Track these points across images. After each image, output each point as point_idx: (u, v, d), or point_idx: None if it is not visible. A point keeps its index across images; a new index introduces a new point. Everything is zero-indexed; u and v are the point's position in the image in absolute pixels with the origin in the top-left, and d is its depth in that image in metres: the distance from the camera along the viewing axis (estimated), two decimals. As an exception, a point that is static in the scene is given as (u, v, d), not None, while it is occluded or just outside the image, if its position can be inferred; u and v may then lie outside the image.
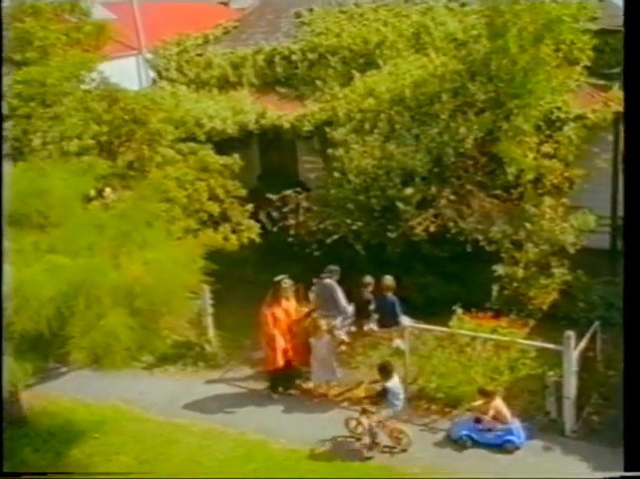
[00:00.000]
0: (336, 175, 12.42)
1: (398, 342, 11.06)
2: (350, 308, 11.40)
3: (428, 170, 12.01)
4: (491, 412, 9.86)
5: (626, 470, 4.62)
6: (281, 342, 11.05)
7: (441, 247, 13.20)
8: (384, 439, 10.01)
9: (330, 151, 12.90)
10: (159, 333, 9.59)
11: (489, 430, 9.88)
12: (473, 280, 13.14)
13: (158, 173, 12.09)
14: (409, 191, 11.80)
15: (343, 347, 11.75)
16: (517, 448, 9.77)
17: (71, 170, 10.55)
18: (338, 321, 11.36)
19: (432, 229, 11.51)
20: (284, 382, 11.45)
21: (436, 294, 12.35)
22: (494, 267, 12.22)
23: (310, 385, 11.61)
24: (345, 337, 11.43)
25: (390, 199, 12.01)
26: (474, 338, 10.48)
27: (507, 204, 12.10)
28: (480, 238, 11.96)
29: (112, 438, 10.63)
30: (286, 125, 14.85)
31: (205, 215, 12.74)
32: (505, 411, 9.89)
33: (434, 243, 13.08)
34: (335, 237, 11.92)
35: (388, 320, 11.00)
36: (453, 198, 11.82)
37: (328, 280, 11.21)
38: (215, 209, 12.67)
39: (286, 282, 11.18)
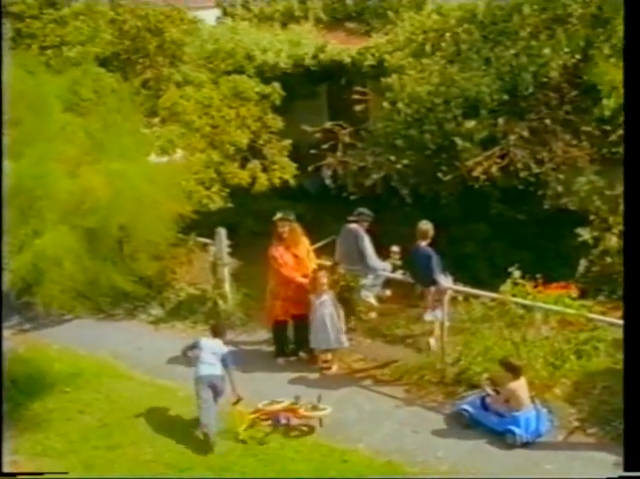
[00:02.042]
0: (385, 105, 10.14)
1: (433, 314, 8.70)
2: (383, 265, 9.13)
3: (497, 100, 9.51)
4: (505, 393, 7.63)
5: (626, 470, 4.15)
6: (286, 290, 9.00)
7: (516, 208, 10.71)
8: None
9: (383, 80, 10.63)
10: (121, 266, 7.70)
11: (497, 413, 7.70)
12: (552, 249, 10.60)
13: (174, 92, 10.27)
14: (471, 124, 9.37)
15: (372, 314, 9.50)
16: (518, 443, 7.51)
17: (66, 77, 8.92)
18: (368, 280, 9.13)
19: (494, 170, 9.01)
20: (293, 344, 9.41)
21: (503, 264, 9.84)
22: (579, 231, 9.61)
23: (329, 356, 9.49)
24: (373, 301, 9.18)
25: (447, 134, 9.62)
26: (529, 309, 7.96)
27: (600, 149, 9.45)
28: (561, 189, 9.38)
29: (83, 394, 8.96)
30: (347, 59, 12.72)
31: (232, 148, 10.82)
32: (522, 396, 7.59)
33: (506, 202, 10.62)
34: (375, 176, 9.64)
35: (420, 279, 8.64)
36: (527, 135, 9.29)
37: (354, 225, 8.99)
38: (243, 140, 10.71)
39: (283, 224, 9.06)
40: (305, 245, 9.22)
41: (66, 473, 7.17)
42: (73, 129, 7.81)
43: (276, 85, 11.47)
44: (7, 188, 6.64)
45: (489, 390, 7.83)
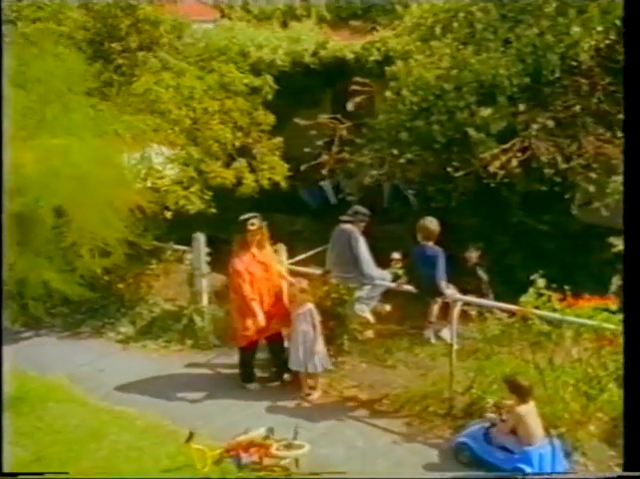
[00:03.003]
0: (389, 95, 8.84)
1: (440, 333, 7.27)
2: (381, 273, 7.73)
3: (517, 85, 8.18)
4: (511, 422, 6.19)
5: (625, 470, 3.80)
6: (256, 307, 7.63)
7: (538, 216, 9.35)
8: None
9: (387, 69, 9.36)
10: (59, 262, 6.36)
11: (504, 448, 6.24)
12: (579, 264, 9.18)
13: (149, 78, 9.06)
14: (486, 112, 8.02)
15: (369, 333, 8.08)
16: (530, 483, 5.90)
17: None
18: (364, 292, 7.72)
19: (514, 164, 7.63)
20: (274, 366, 8.05)
21: (522, 280, 8.43)
22: (612, 240, 8.15)
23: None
24: (370, 316, 7.76)
25: (459, 124, 8.28)
26: (557, 326, 6.50)
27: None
28: (593, 190, 7.99)
29: (22, 421, 7.52)
30: (350, 56, 11.54)
31: (215, 144, 9.55)
32: (532, 424, 6.13)
33: (527, 208, 9.27)
34: (375, 173, 8.30)
35: (425, 288, 7.21)
36: (552, 126, 7.93)
37: (348, 226, 7.62)
38: (227, 135, 9.44)
39: (254, 224, 7.67)
40: (270, 249, 7.91)
41: (66, 473, 6.03)
42: (12, 104, 6.55)
43: (268, 77, 10.21)
44: None
45: (495, 419, 6.40)
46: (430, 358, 8.31)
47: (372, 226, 7.82)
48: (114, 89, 8.74)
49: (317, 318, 7.52)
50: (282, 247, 8.46)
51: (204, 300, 9.32)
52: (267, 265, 7.75)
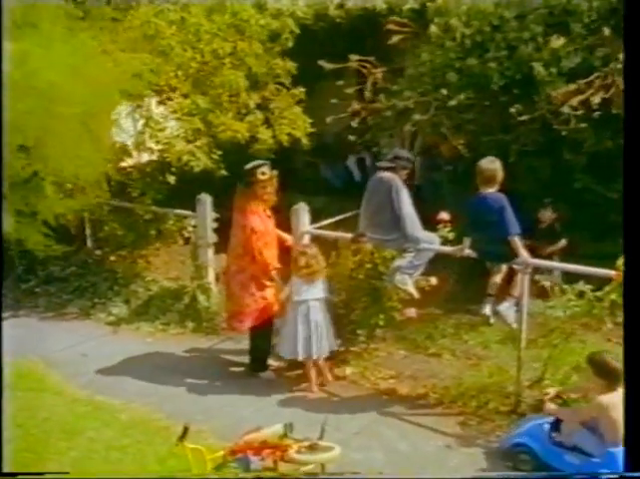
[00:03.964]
0: (434, 30, 7.35)
1: (501, 309, 5.74)
2: (428, 235, 6.20)
3: (597, 10, 6.66)
4: (589, 414, 4.75)
5: (626, 470, 3.35)
6: (278, 277, 6.31)
7: (607, 184, 7.81)
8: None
9: (430, 4, 7.87)
10: (17, 202, 4.89)
11: (577, 449, 4.73)
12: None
13: (147, 9, 7.63)
14: (558, 43, 6.51)
15: (411, 312, 6.55)
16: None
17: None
18: (405, 260, 6.19)
19: (596, 101, 6.10)
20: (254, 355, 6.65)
21: (585, 259, 6.90)
22: None
23: (347, 371, 6.59)
24: (413, 290, 6.22)
25: (522, 61, 6.77)
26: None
27: None
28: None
29: (-22, 413, 6.08)
30: (382, 6, 10.06)
31: (226, 93, 8.09)
32: (620, 420, 4.43)
33: (597, 174, 7.75)
34: (418, 117, 6.80)
35: (489, 249, 5.65)
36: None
37: (387, 174, 6.09)
38: (240, 82, 7.98)
39: (265, 172, 6.28)
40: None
41: (67, 473, 4.92)
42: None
43: (289, 20, 8.73)
44: None
45: (560, 412, 4.90)
46: (481, 346, 6.84)
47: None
48: (105, 21, 7.29)
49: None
50: (303, 208, 6.97)
51: (210, 276, 7.86)
52: (274, 226, 6.43)
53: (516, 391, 5.68)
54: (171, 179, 8.30)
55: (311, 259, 6.25)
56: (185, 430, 4.91)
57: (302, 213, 6.89)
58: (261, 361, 6.64)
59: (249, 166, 6.46)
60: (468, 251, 5.77)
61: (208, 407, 6.13)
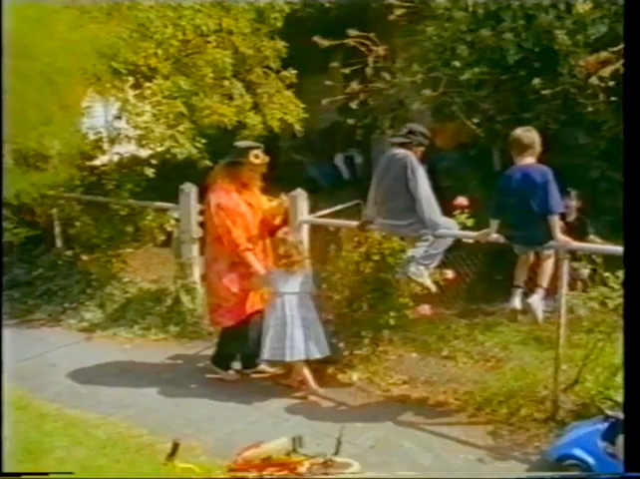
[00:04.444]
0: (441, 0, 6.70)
1: (534, 300, 5.02)
2: (446, 222, 5.49)
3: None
4: None
5: (626, 470, 3.11)
6: (253, 259, 5.64)
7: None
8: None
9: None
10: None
11: None
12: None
13: (123, -20, 6.87)
14: (585, 7, 5.87)
15: (425, 310, 5.80)
16: None
17: None
18: (420, 249, 5.47)
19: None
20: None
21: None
22: None
23: (353, 377, 5.84)
24: (429, 283, 5.50)
25: (541, 29, 6.13)
26: None
27: None
28: None
29: None
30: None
31: (210, 73, 7.36)
32: None
33: (615, 161, 7.11)
34: (428, 93, 6.12)
35: (523, 232, 4.91)
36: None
37: (400, 151, 5.37)
38: (226, 61, 7.25)
39: (258, 156, 5.65)
40: (259, 194, 5.89)
41: (71, 473, 4.24)
42: None
43: (278, -1, 8.02)
44: None
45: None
46: (499, 347, 6.15)
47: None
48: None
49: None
50: (301, 194, 6.23)
51: (195, 274, 7.07)
52: (256, 210, 5.75)
53: (553, 396, 4.96)
54: (150, 171, 7.55)
55: (291, 248, 5.57)
56: (175, 447, 4.14)
57: (300, 200, 6.15)
58: (225, 356, 5.98)
59: (243, 144, 5.85)
60: (494, 236, 5.06)
61: (197, 420, 5.34)
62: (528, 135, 4.81)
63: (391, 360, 6.00)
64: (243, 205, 5.67)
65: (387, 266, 5.79)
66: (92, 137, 7.70)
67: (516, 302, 5.08)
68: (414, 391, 5.56)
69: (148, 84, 7.17)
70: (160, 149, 7.07)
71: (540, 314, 5.11)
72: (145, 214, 7.75)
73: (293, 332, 5.49)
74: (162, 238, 7.75)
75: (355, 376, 5.79)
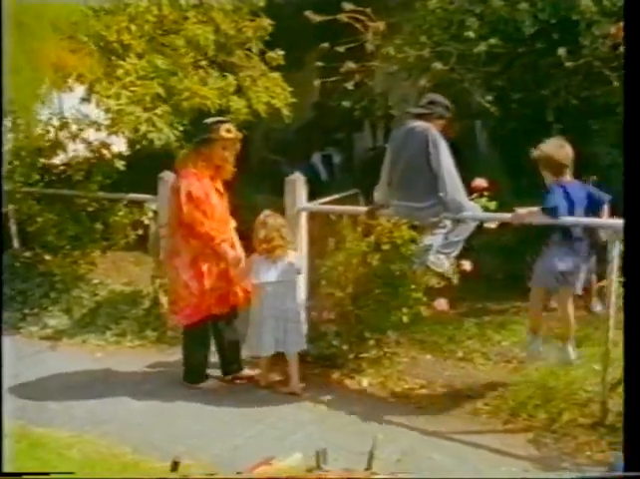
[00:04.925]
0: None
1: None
2: (471, 204, 4.88)
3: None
4: None
5: (626, 470, 3.05)
6: (228, 250, 5.09)
7: None
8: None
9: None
10: None
11: None
12: None
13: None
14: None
15: (442, 305, 5.17)
16: None
17: None
18: (438, 238, 4.85)
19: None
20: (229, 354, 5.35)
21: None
22: None
23: (363, 382, 5.17)
24: (451, 273, 4.88)
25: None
26: None
27: None
28: None
29: None
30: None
31: (190, 52, 6.67)
32: None
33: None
34: (438, 66, 5.53)
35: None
36: None
37: (422, 123, 4.75)
38: (208, 37, 6.58)
39: (230, 130, 5.08)
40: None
41: (72, 473, 3.91)
42: None
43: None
44: None
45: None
46: (519, 346, 5.56)
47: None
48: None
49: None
50: (300, 179, 5.56)
51: (175, 273, 6.31)
52: (223, 196, 5.21)
53: (601, 398, 4.37)
54: (120, 164, 6.83)
55: (272, 232, 4.99)
56: (176, 465, 3.42)
57: (299, 185, 5.47)
58: (198, 366, 5.31)
59: (211, 120, 5.25)
60: (529, 219, 4.48)
61: (187, 436, 4.60)
62: (563, 152, 4.34)
63: (403, 363, 5.35)
64: (214, 195, 5.08)
65: (399, 257, 5.15)
66: (55, 124, 6.94)
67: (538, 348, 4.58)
68: (434, 397, 4.91)
69: (120, 62, 6.43)
70: (130, 136, 6.31)
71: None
72: (116, 209, 7.00)
73: (267, 324, 4.97)
74: (135, 236, 7.01)
75: (365, 382, 5.13)
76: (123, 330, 6.27)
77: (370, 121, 10.36)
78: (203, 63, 6.73)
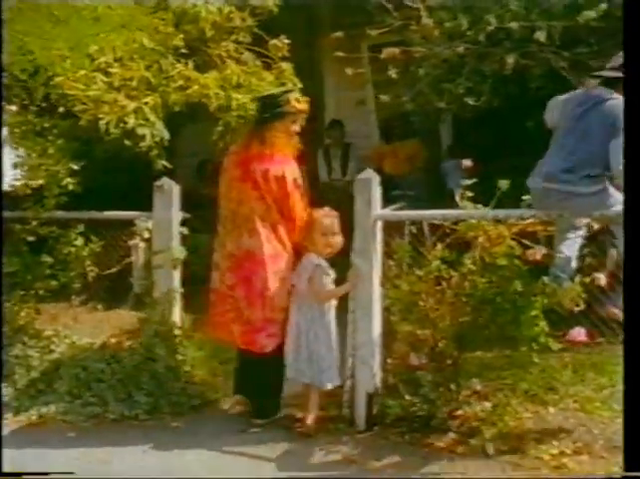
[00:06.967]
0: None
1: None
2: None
3: None
4: None
5: (626, 470, 2.96)
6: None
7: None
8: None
9: None
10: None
11: None
12: None
13: None
14: None
15: (580, 334, 3.95)
16: None
17: None
18: (575, 244, 3.66)
19: None
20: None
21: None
22: None
23: (490, 449, 3.74)
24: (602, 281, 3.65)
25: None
26: None
27: None
28: None
29: None
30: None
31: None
32: None
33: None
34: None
35: None
36: None
37: (600, 92, 3.55)
38: (203, 12, 5.14)
39: (299, 100, 4.24)
40: None
41: (72, 473, 3.46)
42: None
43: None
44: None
45: None
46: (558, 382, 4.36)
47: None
48: None
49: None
50: (375, 178, 4.15)
51: (176, 316, 4.64)
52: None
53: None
54: (71, 183, 5.17)
55: (333, 228, 4.06)
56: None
57: (373, 185, 4.07)
58: (275, 399, 4.21)
59: (278, 91, 4.42)
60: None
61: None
62: None
63: (525, 418, 3.98)
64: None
65: (519, 275, 3.85)
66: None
67: None
68: (597, 464, 3.57)
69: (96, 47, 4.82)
70: (114, 131, 4.65)
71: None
72: (69, 237, 5.25)
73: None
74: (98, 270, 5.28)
75: (492, 448, 3.70)
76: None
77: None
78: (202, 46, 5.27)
